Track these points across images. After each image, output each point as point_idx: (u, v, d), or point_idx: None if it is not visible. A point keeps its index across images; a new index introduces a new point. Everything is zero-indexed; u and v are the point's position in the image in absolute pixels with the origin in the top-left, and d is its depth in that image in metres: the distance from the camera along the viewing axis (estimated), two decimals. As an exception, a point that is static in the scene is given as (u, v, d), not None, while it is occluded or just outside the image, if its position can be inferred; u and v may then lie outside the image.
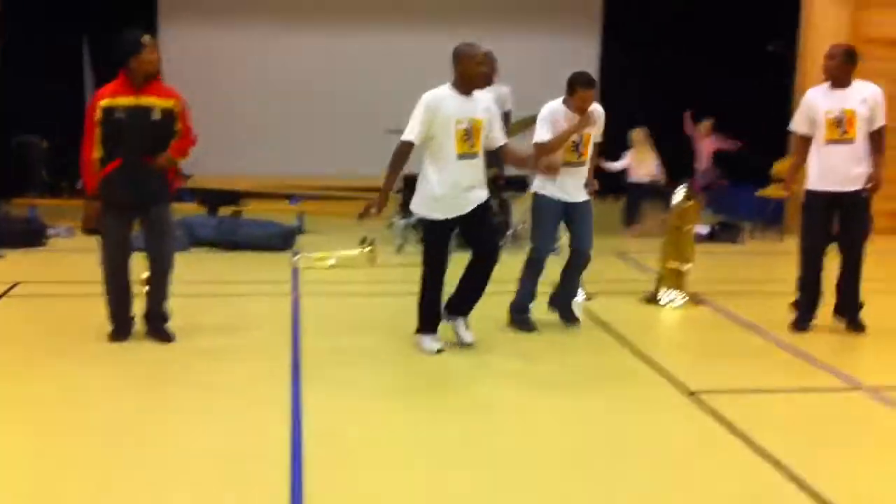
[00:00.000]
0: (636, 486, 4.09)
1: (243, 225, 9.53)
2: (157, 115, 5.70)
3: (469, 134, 5.69)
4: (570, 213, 6.42)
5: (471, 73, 5.70)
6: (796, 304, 6.70)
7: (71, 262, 8.44)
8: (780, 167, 10.79)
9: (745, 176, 11.54)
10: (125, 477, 4.03)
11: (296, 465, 4.16)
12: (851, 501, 3.94)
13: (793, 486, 4.06)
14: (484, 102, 5.82)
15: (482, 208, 5.88)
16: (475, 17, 12.83)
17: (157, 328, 5.99)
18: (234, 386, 5.25)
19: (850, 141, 6.31)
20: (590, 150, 6.40)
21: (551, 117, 6.26)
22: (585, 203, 6.45)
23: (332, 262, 8.51)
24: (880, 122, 6.37)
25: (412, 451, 4.45)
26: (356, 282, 8.06)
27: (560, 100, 6.32)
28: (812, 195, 6.48)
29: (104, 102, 5.66)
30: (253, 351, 5.93)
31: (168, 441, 4.44)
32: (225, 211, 10.27)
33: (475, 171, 5.80)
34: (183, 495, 3.87)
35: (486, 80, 5.99)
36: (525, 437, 4.65)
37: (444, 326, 6.02)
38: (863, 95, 6.32)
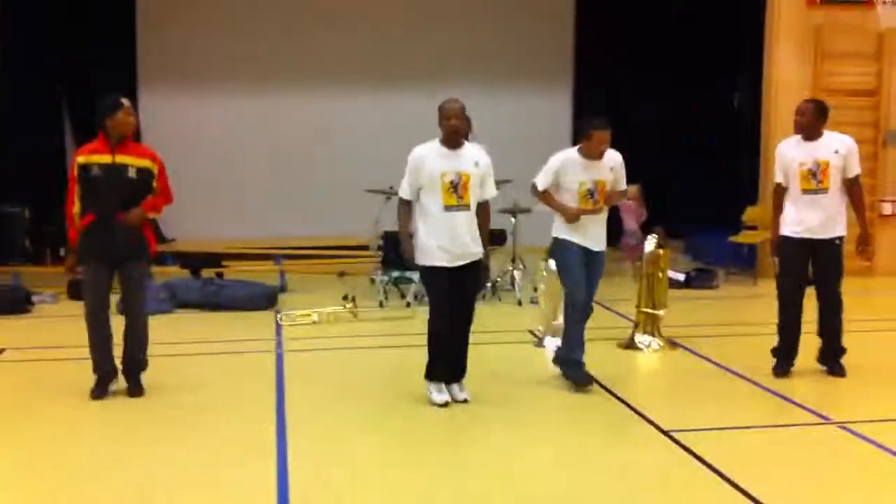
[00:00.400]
0: None
1: (226, 286, 9.64)
2: (132, 174, 5.93)
3: (456, 186, 5.80)
4: (585, 262, 6.38)
5: (444, 126, 5.85)
6: (776, 351, 6.76)
7: (56, 327, 8.52)
8: (751, 214, 11.08)
9: (718, 222, 11.78)
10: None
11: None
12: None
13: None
14: (473, 157, 5.90)
15: (473, 266, 5.94)
16: (452, 79, 13.09)
17: (132, 378, 6.15)
18: (221, 432, 5.42)
19: (824, 191, 6.44)
20: (605, 196, 6.35)
21: (560, 167, 6.27)
22: (600, 254, 6.43)
23: (314, 318, 8.64)
24: (855, 171, 6.50)
25: (399, 486, 4.58)
26: (339, 336, 8.17)
27: (575, 148, 6.35)
28: (788, 241, 6.60)
29: (81, 159, 5.93)
30: (239, 402, 6.09)
31: (155, 489, 4.56)
32: (208, 273, 10.39)
33: (465, 223, 5.86)
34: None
35: (462, 135, 6.01)
36: (510, 473, 4.80)
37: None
38: (835, 146, 6.47)
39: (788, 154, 6.59)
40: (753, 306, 9.39)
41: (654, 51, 13.08)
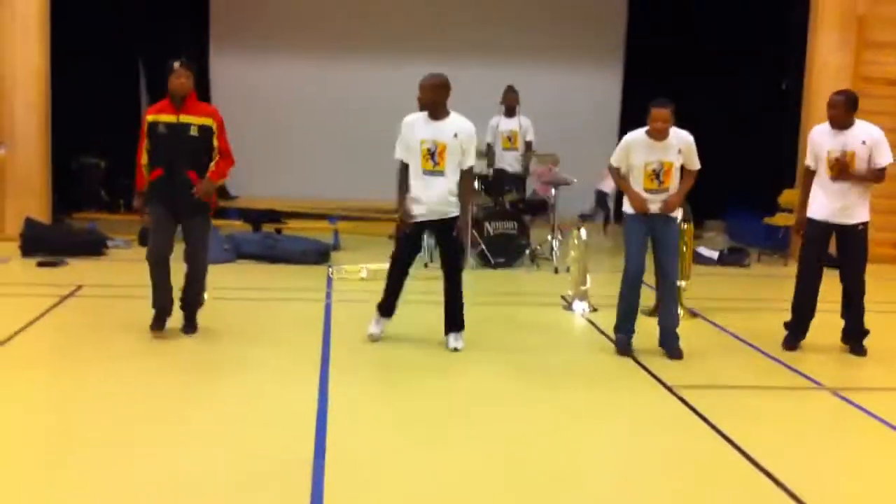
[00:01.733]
0: (612, 446, 4.92)
1: (283, 241, 10.38)
2: (194, 132, 6.52)
3: (432, 154, 6.49)
4: (654, 233, 6.67)
5: (419, 100, 6.56)
6: (788, 325, 7.20)
7: (128, 269, 9.32)
8: (787, 196, 11.47)
9: (758, 204, 12.18)
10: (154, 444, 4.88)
11: (320, 434, 4.97)
12: (777, 461, 4.65)
13: (740, 457, 4.81)
14: (454, 128, 6.50)
15: (447, 225, 6.60)
16: (505, 51, 13.72)
17: (189, 315, 6.79)
18: (269, 367, 6.14)
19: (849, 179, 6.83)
20: (674, 178, 6.62)
21: (626, 146, 6.65)
22: (668, 224, 6.67)
23: (363, 274, 9.31)
24: (885, 160, 6.78)
25: (419, 421, 5.27)
26: (384, 292, 8.83)
27: (645, 129, 6.59)
28: (812, 223, 7.00)
29: (150, 118, 6.58)
30: (288, 342, 6.78)
31: (203, 412, 5.29)
32: (268, 228, 11.13)
33: (440, 187, 6.51)
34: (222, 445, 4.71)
35: (428, 106, 6.56)
36: (528, 424, 5.35)
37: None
38: (863, 137, 6.81)
39: (819, 140, 6.96)
40: (779, 285, 9.80)
41: (705, 29, 13.47)
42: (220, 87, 13.55)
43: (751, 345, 7.22)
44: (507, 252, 10.25)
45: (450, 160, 6.51)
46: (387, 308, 6.88)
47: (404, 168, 6.65)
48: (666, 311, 6.93)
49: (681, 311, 8.00)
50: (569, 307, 8.29)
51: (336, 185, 13.70)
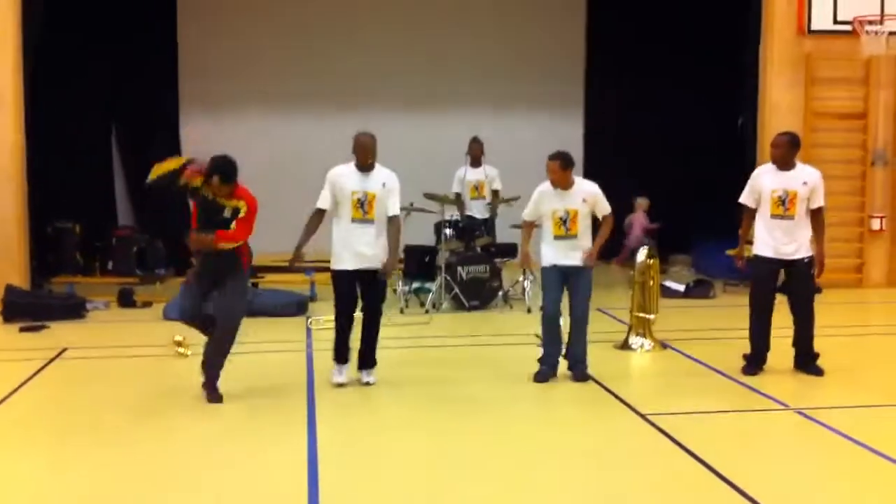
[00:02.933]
0: (589, 474, 5.19)
1: (261, 294, 10.58)
2: (227, 214, 6.70)
3: (362, 203, 6.86)
4: (568, 278, 7.16)
5: (356, 155, 6.95)
6: (747, 357, 7.53)
7: (110, 330, 9.49)
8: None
9: (723, 237, 12.53)
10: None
11: (312, 471, 5.18)
12: (749, 479, 4.91)
13: (717, 480, 5.08)
14: (381, 179, 6.93)
15: (375, 277, 6.94)
16: (467, 102, 14.14)
17: (209, 382, 6.78)
18: (257, 415, 6.34)
19: (791, 217, 7.21)
20: (580, 225, 7.10)
21: (537, 197, 7.25)
22: (581, 274, 7.14)
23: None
24: (819, 202, 7.24)
25: (408, 463, 5.49)
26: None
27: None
28: (759, 260, 7.41)
29: (198, 181, 6.68)
30: (274, 392, 6.99)
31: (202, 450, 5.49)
32: (244, 283, 11.31)
33: (368, 235, 6.88)
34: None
35: (366, 163, 6.97)
36: (502, 446, 5.66)
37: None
38: (804, 178, 7.21)
39: (762, 180, 7.36)
40: (744, 314, 10.03)
41: (662, 73, 13.93)
42: (191, 146, 13.77)
43: (719, 371, 7.52)
44: (480, 295, 10.52)
45: (378, 209, 6.90)
46: (341, 355, 7.15)
47: (318, 215, 7.01)
48: (575, 342, 7.31)
49: (651, 343, 8.37)
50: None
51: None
